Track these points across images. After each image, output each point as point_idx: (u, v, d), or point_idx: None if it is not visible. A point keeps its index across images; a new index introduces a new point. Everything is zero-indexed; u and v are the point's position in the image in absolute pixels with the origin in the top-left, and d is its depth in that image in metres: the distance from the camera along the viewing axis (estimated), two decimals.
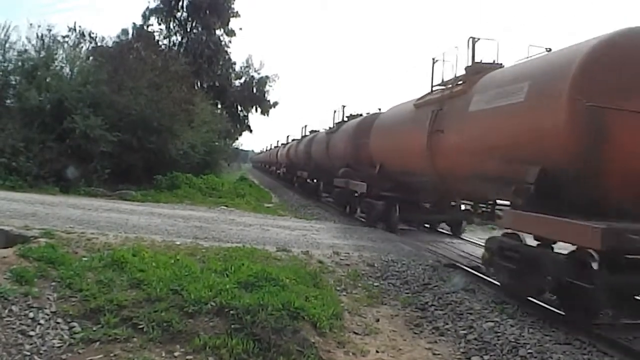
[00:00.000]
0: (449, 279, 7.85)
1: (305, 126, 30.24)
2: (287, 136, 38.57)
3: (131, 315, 4.92)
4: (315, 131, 26.61)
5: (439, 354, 5.24)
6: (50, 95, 16.48)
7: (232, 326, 4.86)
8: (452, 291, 7.18)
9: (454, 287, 7.34)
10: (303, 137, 29.14)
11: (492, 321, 6.01)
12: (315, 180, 23.13)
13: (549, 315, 6.19)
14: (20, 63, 17.83)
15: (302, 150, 25.74)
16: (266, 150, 62.49)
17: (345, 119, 19.61)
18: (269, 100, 39.51)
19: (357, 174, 14.93)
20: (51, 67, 18.07)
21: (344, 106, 20.63)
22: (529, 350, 5.20)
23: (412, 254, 9.54)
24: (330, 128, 20.93)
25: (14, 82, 17.65)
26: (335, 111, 21.17)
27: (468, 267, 8.72)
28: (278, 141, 47.15)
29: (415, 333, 5.81)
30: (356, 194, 14.71)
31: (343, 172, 16.04)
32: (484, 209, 9.35)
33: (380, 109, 16.43)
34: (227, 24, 35.72)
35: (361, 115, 18.31)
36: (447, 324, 6.05)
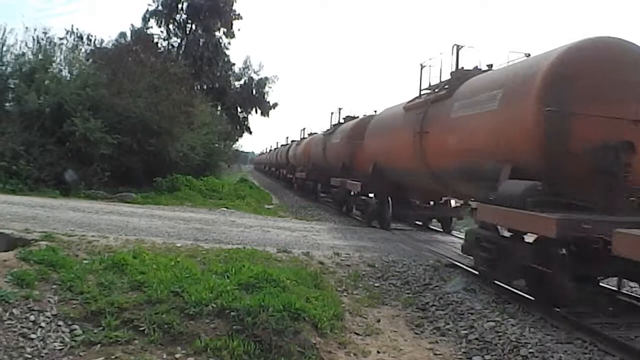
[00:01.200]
0: (450, 279, 7.85)
1: (340, 109, 19.95)
2: (302, 129, 29.36)
3: (132, 317, 4.92)
4: (352, 117, 18.02)
5: (440, 354, 5.23)
6: (50, 98, 16.44)
7: (233, 328, 4.87)
8: (453, 291, 7.18)
9: (455, 287, 7.34)
10: (336, 125, 19.43)
11: (493, 321, 6.01)
12: (372, 197, 13.83)
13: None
14: (18, 66, 17.81)
15: (339, 146, 17.07)
16: (269, 150, 54.80)
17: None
18: (268, 102, 39.63)
19: None
20: (49, 69, 18.04)
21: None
22: (530, 350, 5.19)
23: (413, 254, 9.54)
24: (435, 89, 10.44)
25: (12, 86, 17.62)
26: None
27: (469, 267, 8.72)
28: (288, 138, 38.63)
29: (417, 333, 5.81)
30: None
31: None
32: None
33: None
34: (231, 27, 35.77)
35: None
36: (448, 324, 6.05)
